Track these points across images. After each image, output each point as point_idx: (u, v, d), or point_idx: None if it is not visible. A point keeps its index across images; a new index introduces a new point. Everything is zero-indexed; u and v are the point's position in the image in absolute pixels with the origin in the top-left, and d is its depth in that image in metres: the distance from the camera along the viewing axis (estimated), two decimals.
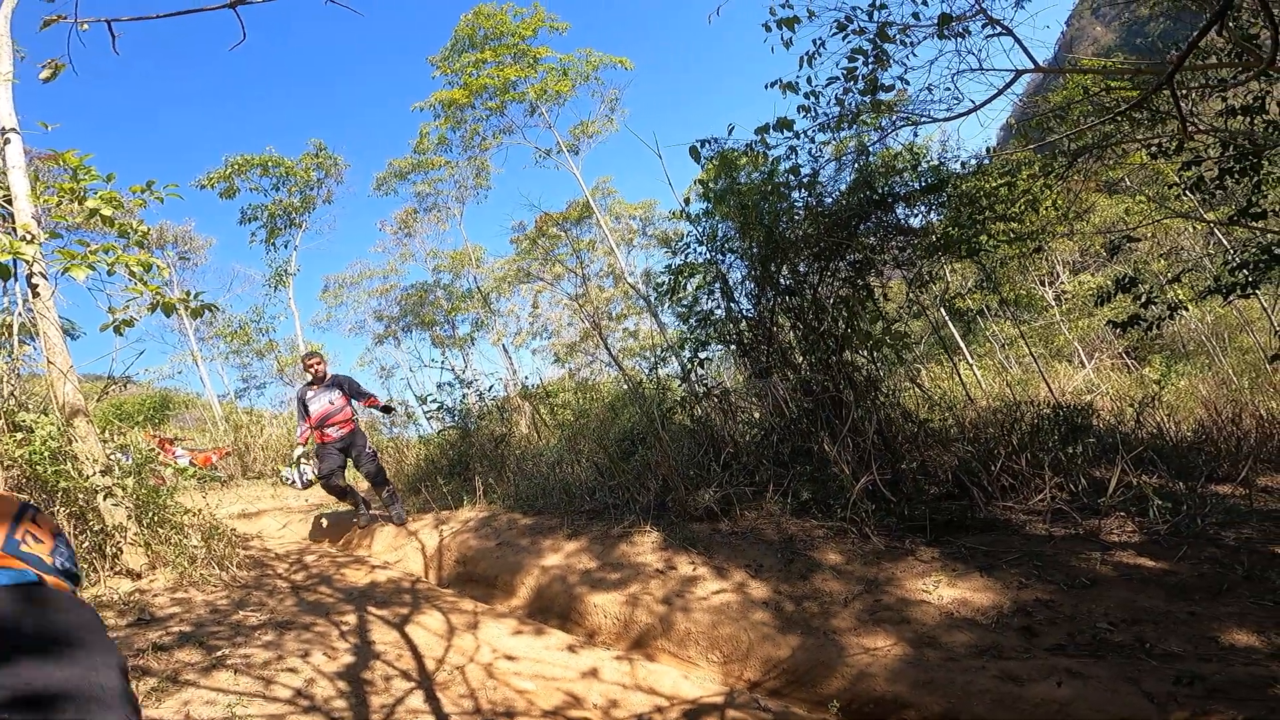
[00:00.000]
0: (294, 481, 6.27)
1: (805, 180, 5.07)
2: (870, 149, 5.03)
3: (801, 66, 4.51)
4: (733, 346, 5.83)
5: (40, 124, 5.08)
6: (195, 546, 4.61)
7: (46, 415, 4.57)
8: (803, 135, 4.75)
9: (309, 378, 6.43)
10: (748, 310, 5.59)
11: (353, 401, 6.39)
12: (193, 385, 22.92)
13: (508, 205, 65.39)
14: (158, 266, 5.07)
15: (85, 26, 1.86)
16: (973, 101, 4.12)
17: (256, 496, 9.56)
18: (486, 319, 20.92)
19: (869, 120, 4.79)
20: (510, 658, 3.53)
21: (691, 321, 6.08)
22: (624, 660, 3.50)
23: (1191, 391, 9.41)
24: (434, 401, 8.51)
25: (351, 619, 3.96)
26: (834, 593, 3.52)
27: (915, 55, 4.27)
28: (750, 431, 5.35)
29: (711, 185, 5.49)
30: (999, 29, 3.92)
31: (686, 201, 5.89)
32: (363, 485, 7.45)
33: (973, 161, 5.24)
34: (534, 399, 9.33)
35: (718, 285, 5.61)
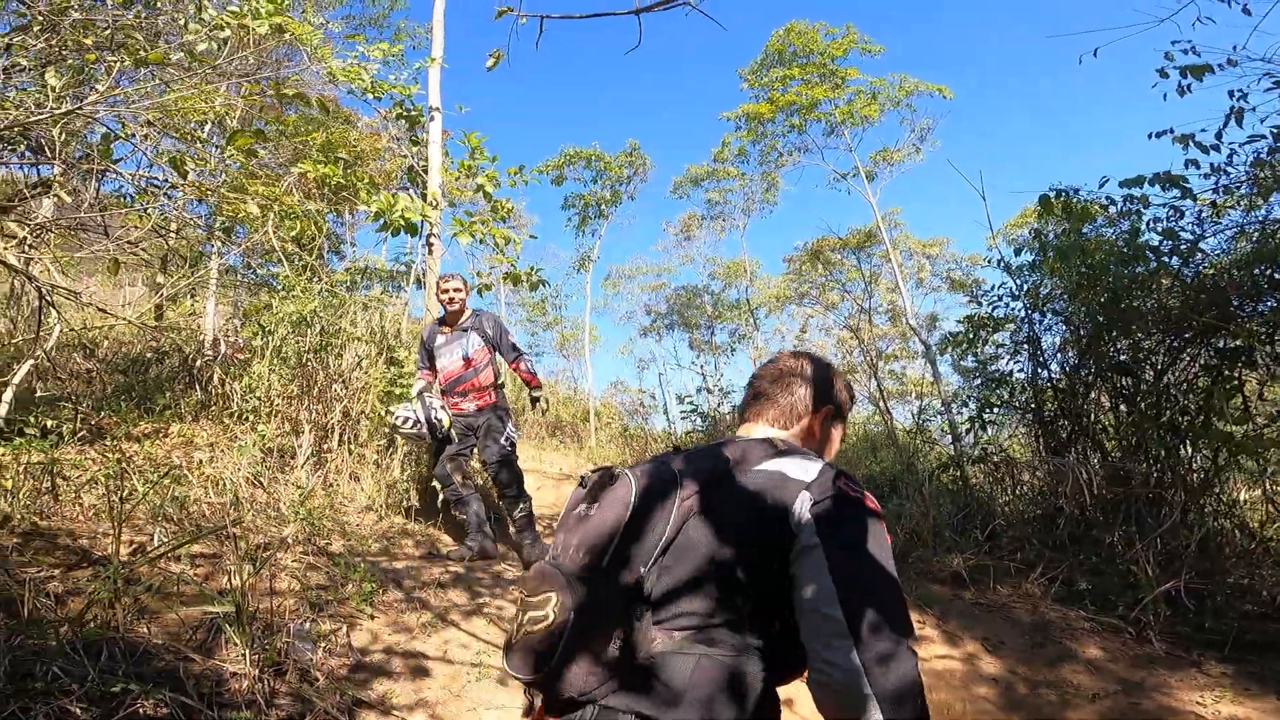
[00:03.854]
0: (415, 423, 4.23)
1: (1184, 247, 4.20)
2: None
3: (1226, 122, 3.86)
4: (1027, 415, 5.09)
5: (458, 106, 6.36)
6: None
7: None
8: (1195, 197, 3.98)
9: (439, 311, 4.60)
10: (1058, 380, 4.83)
11: (497, 357, 4.51)
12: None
13: (790, 223, 65.23)
14: (514, 241, 6.00)
15: (523, 20, 2.22)
16: None
17: (520, 455, 10.87)
18: (749, 333, 21.17)
19: None
20: None
21: (979, 379, 5.45)
22: None
23: None
24: (690, 403, 8.84)
25: None
26: (1081, 686, 3.15)
27: None
28: (1028, 507, 4.79)
29: (1053, 238, 4.83)
30: None
31: (1016, 252, 5.24)
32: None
33: None
34: None
35: (1026, 347, 4.93)
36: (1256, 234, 4.17)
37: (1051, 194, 4.54)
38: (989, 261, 5.26)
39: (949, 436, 6.65)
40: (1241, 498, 4.45)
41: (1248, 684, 3.06)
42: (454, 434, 4.37)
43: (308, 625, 2.82)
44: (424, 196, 5.66)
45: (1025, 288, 5.03)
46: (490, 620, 3.47)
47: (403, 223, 5.41)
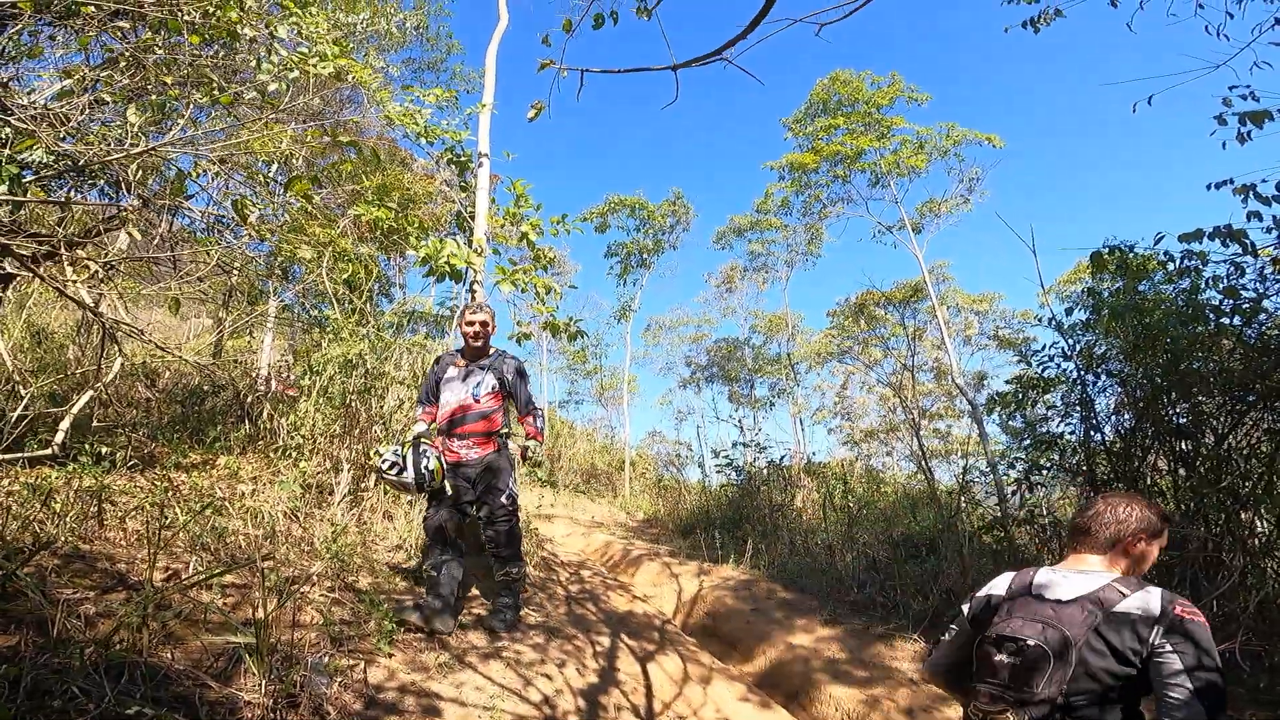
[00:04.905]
0: (400, 471, 3.65)
1: (1246, 305, 4.00)
2: None
3: None
4: (1078, 478, 4.85)
5: (505, 153, 6.46)
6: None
7: None
8: (1256, 252, 3.78)
9: (459, 340, 4.28)
10: (1112, 443, 4.60)
11: (508, 408, 4.05)
12: (532, 386, 27.13)
13: (834, 276, 64.91)
14: (555, 291, 6.05)
15: (565, 73, 2.33)
16: None
17: (553, 502, 10.86)
18: (789, 388, 20.91)
19: None
20: None
21: (1027, 440, 5.24)
22: None
23: None
24: (725, 457, 8.72)
25: (605, 641, 4.20)
26: None
27: None
28: None
29: (1108, 295, 4.68)
30: None
31: (1068, 311, 5.08)
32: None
33: None
34: (819, 476, 8.96)
35: (1078, 408, 4.73)
36: None
37: (1105, 250, 4.42)
38: (1039, 320, 5.09)
39: (994, 497, 6.38)
40: None
41: None
42: (449, 487, 3.78)
43: (326, 659, 2.83)
44: (470, 243, 5.79)
45: (1078, 348, 4.86)
46: (508, 664, 3.41)
47: (448, 269, 5.52)
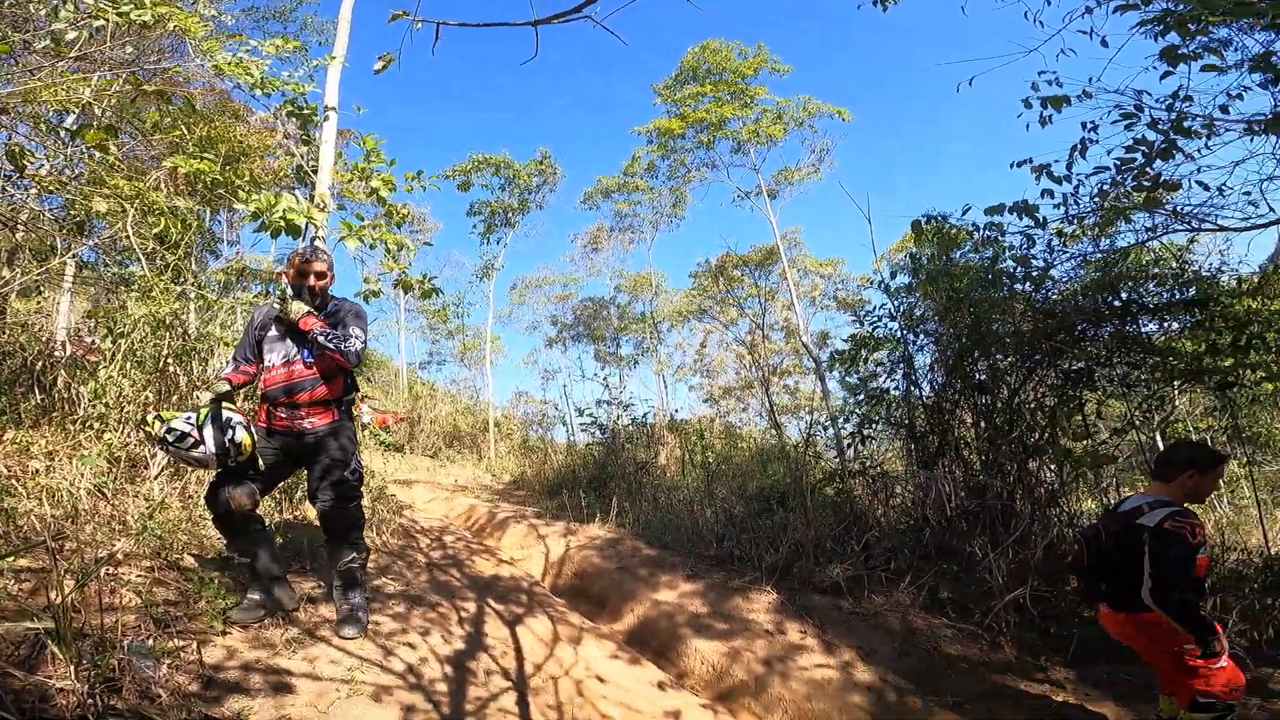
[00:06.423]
0: (194, 445, 2.97)
1: (1035, 273, 4.58)
2: (1122, 250, 4.45)
3: (1072, 154, 4.06)
4: (901, 430, 5.43)
5: (355, 107, 6.04)
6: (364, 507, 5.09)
7: None
8: (1045, 225, 4.25)
9: (287, 290, 3.44)
10: (928, 397, 5.17)
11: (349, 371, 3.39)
12: (387, 349, 25.72)
13: (696, 239, 66.80)
14: (408, 248, 5.77)
15: (419, 25, 2.15)
16: (1274, 210, 3.46)
17: (414, 465, 10.48)
18: (652, 346, 21.46)
19: (1134, 220, 4.20)
20: (601, 679, 3.55)
21: (861, 396, 5.77)
22: (708, 709, 3.47)
23: None
24: (589, 415, 8.82)
25: (471, 607, 4.16)
26: (943, 693, 3.35)
27: (1209, 151, 3.63)
28: (900, 519, 5.08)
29: (924, 261, 5.17)
30: None
31: (892, 275, 5.55)
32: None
33: (1254, 277, 4.39)
34: (681, 433, 9.34)
35: (901, 365, 5.26)
36: (1099, 263, 4.59)
37: (923, 220, 4.74)
38: (873, 283, 5.57)
39: (834, 450, 6.99)
40: (1085, 508, 4.86)
41: (1087, 689, 3.32)
42: (260, 463, 3.22)
43: (151, 641, 2.60)
44: (312, 198, 5.39)
45: (902, 309, 5.38)
46: (365, 636, 3.28)
47: (283, 224, 5.06)
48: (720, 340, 22.01)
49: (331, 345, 3.17)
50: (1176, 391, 5.43)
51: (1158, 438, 5.53)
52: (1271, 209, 3.48)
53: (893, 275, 5.45)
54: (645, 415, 9.29)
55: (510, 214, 17.76)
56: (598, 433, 8.77)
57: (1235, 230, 3.67)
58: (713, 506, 6.06)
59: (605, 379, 9.83)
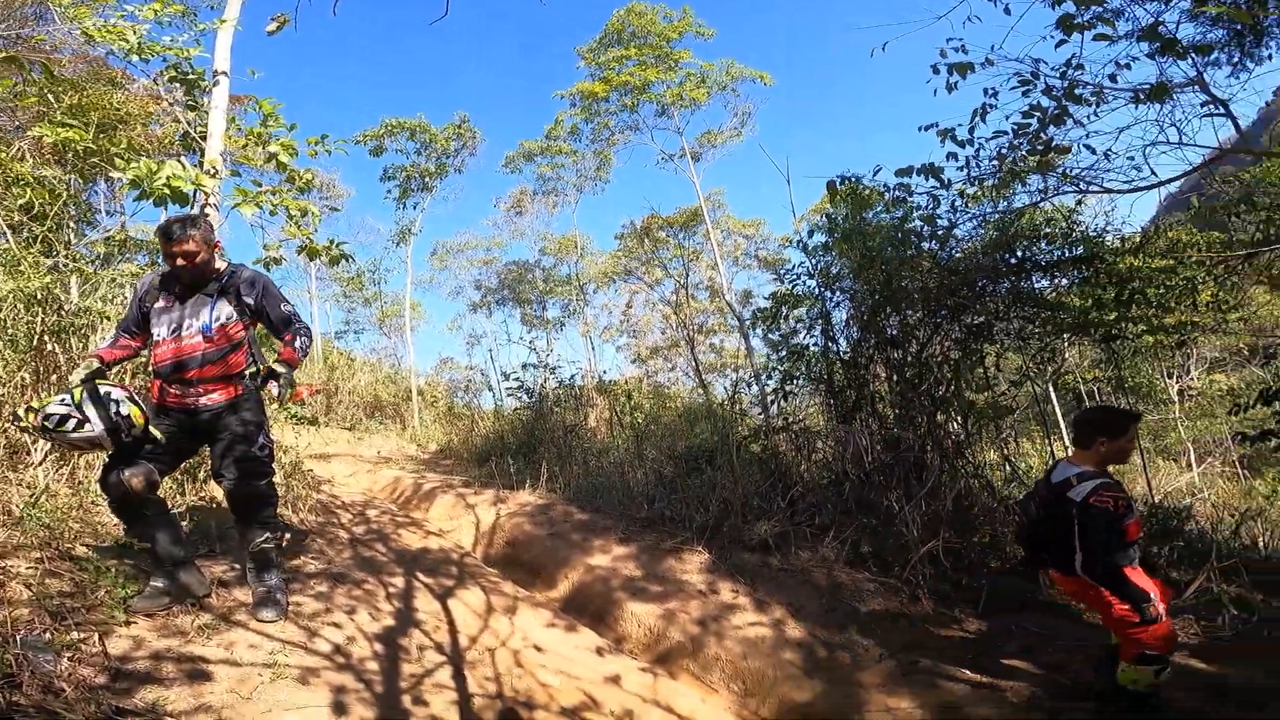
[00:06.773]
0: (80, 424, 2.72)
1: (940, 232, 4.77)
2: (1018, 210, 4.70)
3: (974, 119, 4.17)
4: (821, 386, 5.64)
5: (249, 71, 5.66)
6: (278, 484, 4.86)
7: None
8: (950, 186, 4.43)
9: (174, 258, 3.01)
10: (845, 353, 5.38)
11: (252, 340, 3.21)
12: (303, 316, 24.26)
13: (622, 201, 66.35)
14: (312, 213, 5.47)
15: None
16: (1155, 174, 3.74)
17: (332, 439, 10.07)
18: (579, 308, 21.30)
19: (1029, 182, 4.44)
20: (539, 649, 3.56)
21: (783, 352, 5.94)
22: (647, 673, 3.53)
23: None
24: (515, 379, 8.69)
25: (399, 582, 4.07)
26: (868, 647, 3.51)
27: (1097, 117, 3.86)
28: (822, 473, 5.25)
29: (840, 220, 5.30)
30: (1214, 104, 3.53)
31: (810, 234, 5.67)
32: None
33: (1136, 236, 4.77)
34: (610, 395, 9.36)
35: (819, 322, 5.43)
36: (997, 222, 4.84)
37: (838, 181, 4.81)
38: (792, 242, 5.71)
39: (759, 407, 7.20)
40: (989, 459, 5.14)
41: (1000, 642, 3.40)
42: (157, 435, 2.94)
43: (48, 635, 2.45)
44: (202, 164, 5.01)
45: (819, 267, 5.53)
46: (285, 618, 3.16)
47: (167, 191, 4.67)
48: (646, 300, 22.11)
49: (302, 353, 3.22)
50: (1066, 344, 5.84)
51: (1050, 389, 5.95)
52: (1154, 173, 3.76)
53: (810, 235, 5.59)
54: (573, 377, 9.25)
55: (427, 178, 17.00)
56: (525, 397, 8.67)
57: (1120, 192, 3.95)
58: (643, 468, 6.12)
59: (532, 342, 9.67)
